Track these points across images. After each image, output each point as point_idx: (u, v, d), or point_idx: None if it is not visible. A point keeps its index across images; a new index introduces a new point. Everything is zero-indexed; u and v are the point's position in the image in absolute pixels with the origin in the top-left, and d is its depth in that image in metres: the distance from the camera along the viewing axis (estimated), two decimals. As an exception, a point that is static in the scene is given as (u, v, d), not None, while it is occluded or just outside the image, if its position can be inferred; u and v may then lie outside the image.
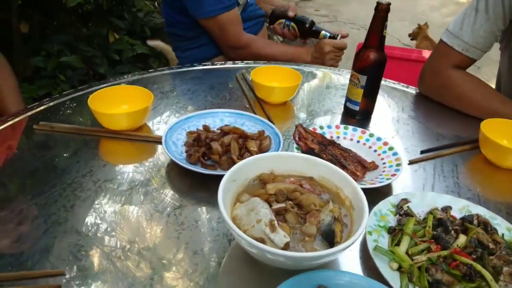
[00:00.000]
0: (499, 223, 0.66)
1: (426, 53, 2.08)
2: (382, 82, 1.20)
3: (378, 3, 0.86)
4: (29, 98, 1.84)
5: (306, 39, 1.52)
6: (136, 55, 2.40)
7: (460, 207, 0.69)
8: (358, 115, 1.00)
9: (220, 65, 1.27)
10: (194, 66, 1.25)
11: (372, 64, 0.91)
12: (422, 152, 0.88)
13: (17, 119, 0.90)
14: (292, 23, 1.46)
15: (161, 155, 0.82)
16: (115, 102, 0.90)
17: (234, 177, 0.62)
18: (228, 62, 1.29)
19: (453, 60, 1.04)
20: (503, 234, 0.64)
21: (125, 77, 1.15)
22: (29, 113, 0.93)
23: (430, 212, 0.66)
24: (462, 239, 0.60)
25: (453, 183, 0.80)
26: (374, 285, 0.50)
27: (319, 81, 1.23)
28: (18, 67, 1.90)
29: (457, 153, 0.89)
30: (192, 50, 1.51)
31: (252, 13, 1.41)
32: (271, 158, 0.67)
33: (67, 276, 0.54)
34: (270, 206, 0.59)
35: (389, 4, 0.86)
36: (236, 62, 1.29)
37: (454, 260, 0.57)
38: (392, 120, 1.02)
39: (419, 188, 0.78)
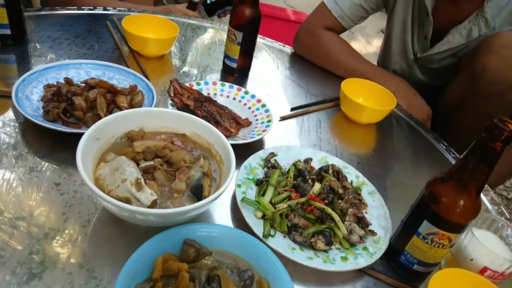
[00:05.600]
0: (350, 171, 0.76)
1: (305, 16, 2.17)
2: (261, 40, 1.23)
3: None
4: None
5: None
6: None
7: (319, 158, 0.77)
8: (236, 72, 1.01)
9: (87, 10, 1.13)
10: (56, 9, 1.09)
11: (247, 21, 0.92)
12: (292, 109, 0.95)
13: None
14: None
15: (12, 112, 0.71)
16: None
17: (98, 134, 0.58)
18: (98, 7, 1.16)
19: (328, 23, 1.13)
20: (351, 181, 0.74)
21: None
22: None
23: (293, 164, 0.73)
24: (317, 186, 0.68)
25: (316, 137, 0.88)
26: (235, 233, 0.54)
27: (198, 35, 1.20)
28: None
29: (322, 109, 0.98)
30: None
31: None
32: (141, 114, 0.64)
33: None
34: (138, 164, 0.57)
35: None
36: (108, 8, 1.16)
37: (310, 206, 0.64)
38: (267, 77, 1.06)
39: (287, 142, 0.84)
